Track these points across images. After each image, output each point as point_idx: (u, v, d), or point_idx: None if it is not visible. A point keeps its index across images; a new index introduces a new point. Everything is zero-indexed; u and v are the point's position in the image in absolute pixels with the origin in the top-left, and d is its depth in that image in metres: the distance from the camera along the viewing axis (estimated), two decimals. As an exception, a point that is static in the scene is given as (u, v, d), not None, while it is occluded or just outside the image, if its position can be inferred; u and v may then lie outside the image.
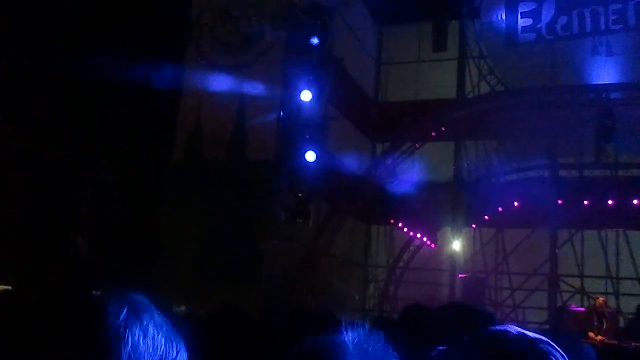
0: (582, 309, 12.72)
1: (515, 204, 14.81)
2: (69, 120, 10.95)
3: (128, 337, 1.20)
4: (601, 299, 11.40)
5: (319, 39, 13.87)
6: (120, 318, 1.21)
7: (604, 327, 10.15)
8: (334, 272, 14.39)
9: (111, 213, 10.72)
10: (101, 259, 10.20)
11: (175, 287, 11.64)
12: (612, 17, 15.58)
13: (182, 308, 9.24)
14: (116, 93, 11.35)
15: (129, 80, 11.72)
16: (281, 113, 13.53)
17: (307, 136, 13.59)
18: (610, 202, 14.22)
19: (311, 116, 13.62)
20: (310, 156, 12.86)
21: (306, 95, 13.51)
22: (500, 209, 15.08)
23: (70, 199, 10.79)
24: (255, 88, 13.65)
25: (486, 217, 15.39)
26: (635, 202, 14.13)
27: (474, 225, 15.30)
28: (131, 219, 11.05)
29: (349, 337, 1.24)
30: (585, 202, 14.46)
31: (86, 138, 10.98)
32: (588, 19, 15.76)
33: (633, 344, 10.07)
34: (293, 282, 13.28)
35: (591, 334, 10.05)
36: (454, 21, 16.54)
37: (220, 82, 13.97)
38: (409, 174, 14.87)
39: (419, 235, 15.36)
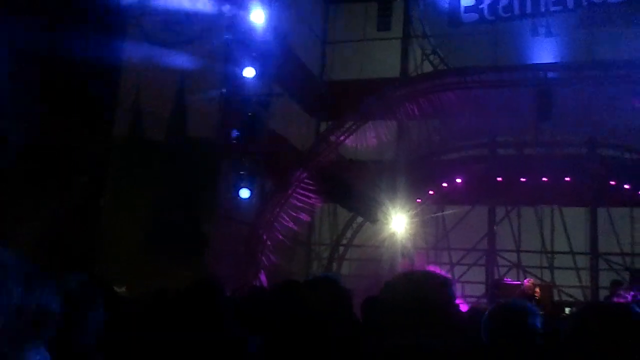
0: (517, 282, 13.17)
1: (459, 180, 15.18)
2: None
3: None
4: (528, 282, 11.80)
5: (264, 16, 13.80)
6: None
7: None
8: (277, 250, 14.46)
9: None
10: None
11: (117, 266, 11.52)
12: (552, -1, 15.89)
13: (123, 289, 9.16)
14: (51, 69, 11.02)
15: (66, 56, 11.42)
16: (224, 90, 13.44)
17: (249, 114, 13.57)
18: (545, 179, 14.69)
19: (254, 93, 13.59)
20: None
21: (249, 72, 13.47)
22: (445, 184, 15.45)
23: None
24: (197, 65, 13.49)
25: (431, 192, 15.77)
26: (569, 179, 14.64)
27: (419, 200, 15.58)
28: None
29: None
30: (523, 180, 14.91)
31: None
32: (529, 0, 16.03)
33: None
34: (238, 260, 13.33)
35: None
36: (398, 0, 16.62)
37: (161, 59, 13.74)
38: (352, 151, 15.02)
39: (361, 213, 15.55)
